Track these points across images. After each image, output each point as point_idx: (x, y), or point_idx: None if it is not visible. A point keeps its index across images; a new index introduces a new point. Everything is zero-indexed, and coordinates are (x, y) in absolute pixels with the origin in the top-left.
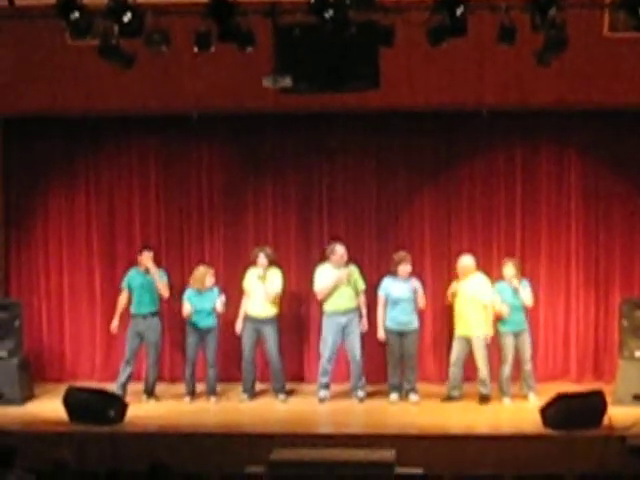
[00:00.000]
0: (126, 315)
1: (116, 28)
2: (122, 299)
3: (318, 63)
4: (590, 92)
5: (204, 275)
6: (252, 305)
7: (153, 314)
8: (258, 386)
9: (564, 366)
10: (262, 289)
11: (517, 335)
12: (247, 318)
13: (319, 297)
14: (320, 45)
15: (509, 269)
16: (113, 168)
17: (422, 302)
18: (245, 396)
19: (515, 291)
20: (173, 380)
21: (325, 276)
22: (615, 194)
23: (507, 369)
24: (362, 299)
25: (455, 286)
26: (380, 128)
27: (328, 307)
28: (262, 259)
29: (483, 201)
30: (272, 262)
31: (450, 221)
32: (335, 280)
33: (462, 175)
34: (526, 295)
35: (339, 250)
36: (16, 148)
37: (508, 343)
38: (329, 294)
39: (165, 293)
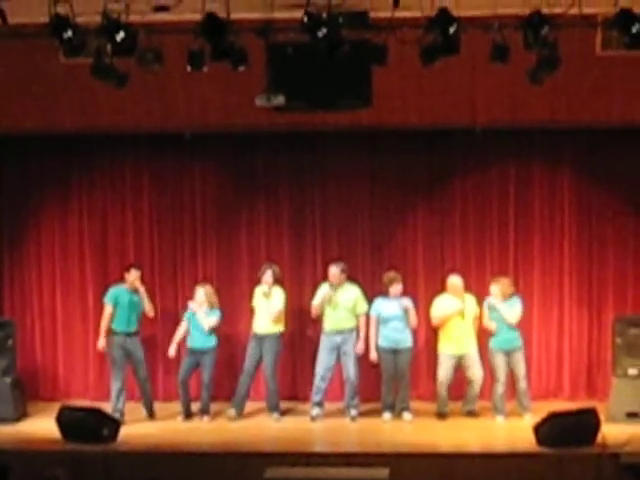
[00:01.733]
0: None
1: (109, 47)
2: (107, 315)
3: (311, 82)
4: (583, 110)
5: (199, 294)
6: (257, 322)
7: (137, 333)
8: (252, 405)
9: (557, 384)
10: (266, 306)
11: (509, 353)
12: (253, 335)
13: (312, 314)
14: (313, 64)
15: (493, 289)
16: (106, 186)
17: (414, 321)
18: (232, 412)
19: (492, 308)
20: (166, 399)
21: (320, 294)
22: (608, 211)
23: (500, 388)
24: (362, 321)
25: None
26: (373, 146)
27: (325, 326)
28: (268, 277)
29: (476, 219)
30: (277, 280)
31: (443, 239)
32: (320, 299)
33: (455, 193)
34: (510, 313)
35: (331, 270)
36: (9, 166)
37: (499, 361)
38: (319, 313)
39: (151, 313)
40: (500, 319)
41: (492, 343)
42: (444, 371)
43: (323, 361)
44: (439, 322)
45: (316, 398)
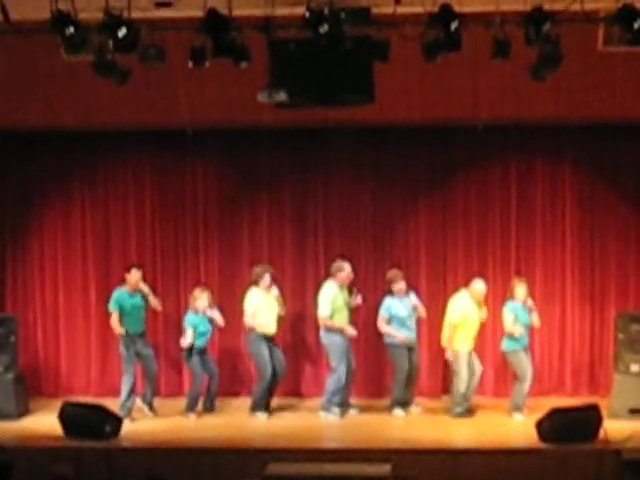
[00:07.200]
0: (112, 336)
1: (111, 43)
2: (115, 320)
3: (313, 78)
4: (584, 106)
5: (197, 297)
6: (270, 324)
7: (144, 333)
8: (247, 401)
9: (559, 380)
10: (276, 308)
11: (526, 352)
12: (264, 337)
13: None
14: (315, 60)
15: (522, 289)
16: (108, 183)
17: (423, 312)
18: (265, 415)
19: (530, 311)
20: (168, 395)
21: (332, 297)
22: (610, 208)
23: (527, 386)
24: None
25: None
26: (375, 143)
27: (339, 324)
28: (268, 279)
29: (478, 215)
30: (274, 281)
31: (445, 235)
32: (347, 305)
33: (457, 189)
34: (536, 316)
35: (347, 268)
36: (11, 163)
37: (523, 360)
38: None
39: (159, 307)
40: (523, 321)
41: (515, 345)
42: (465, 368)
43: (347, 361)
44: (458, 322)
45: (339, 398)
